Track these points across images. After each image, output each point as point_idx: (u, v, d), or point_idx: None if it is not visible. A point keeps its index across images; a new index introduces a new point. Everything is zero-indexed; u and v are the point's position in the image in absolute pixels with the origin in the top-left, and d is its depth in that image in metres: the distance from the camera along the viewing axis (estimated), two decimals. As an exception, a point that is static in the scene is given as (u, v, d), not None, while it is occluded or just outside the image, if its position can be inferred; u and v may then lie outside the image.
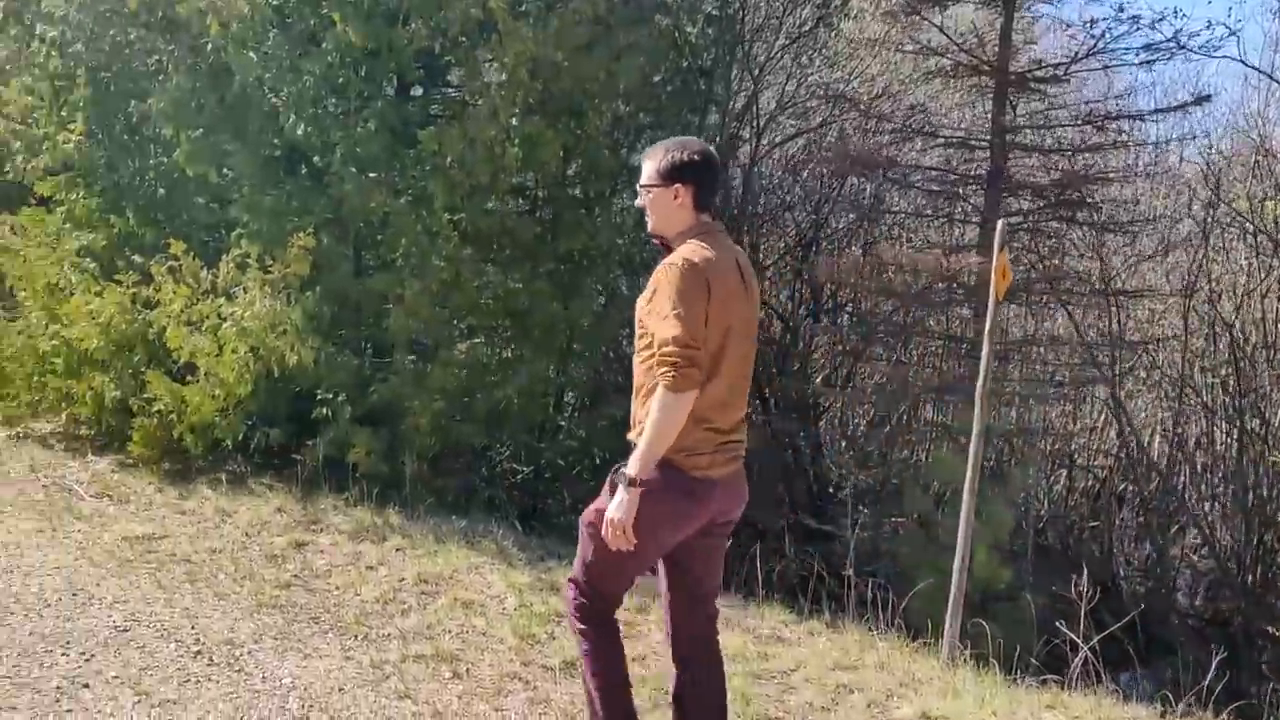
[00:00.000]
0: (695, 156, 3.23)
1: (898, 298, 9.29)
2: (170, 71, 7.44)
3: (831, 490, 11.04)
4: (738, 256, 3.28)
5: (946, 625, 4.96)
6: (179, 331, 7.04)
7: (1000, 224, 4.86)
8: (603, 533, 3.10)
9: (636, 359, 3.22)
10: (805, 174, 11.09)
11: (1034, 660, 5.53)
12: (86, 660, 4.26)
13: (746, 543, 8.55)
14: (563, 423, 8.11)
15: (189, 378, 7.15)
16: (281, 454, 7.53)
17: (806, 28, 10.54)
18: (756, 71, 10.56)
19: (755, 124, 10.63)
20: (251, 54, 7.27)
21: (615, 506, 3.07)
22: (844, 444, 12.14)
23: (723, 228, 3.35)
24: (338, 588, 5.35)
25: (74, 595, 4.93)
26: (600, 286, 8.42)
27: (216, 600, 5.01)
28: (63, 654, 4.30)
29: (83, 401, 7.60)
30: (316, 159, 7.89)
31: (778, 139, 10.89)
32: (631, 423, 3.24)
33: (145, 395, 7.20)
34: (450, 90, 8.93)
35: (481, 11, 7.16)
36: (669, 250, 3.21)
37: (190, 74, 7.48)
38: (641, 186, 3.28)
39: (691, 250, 3.11)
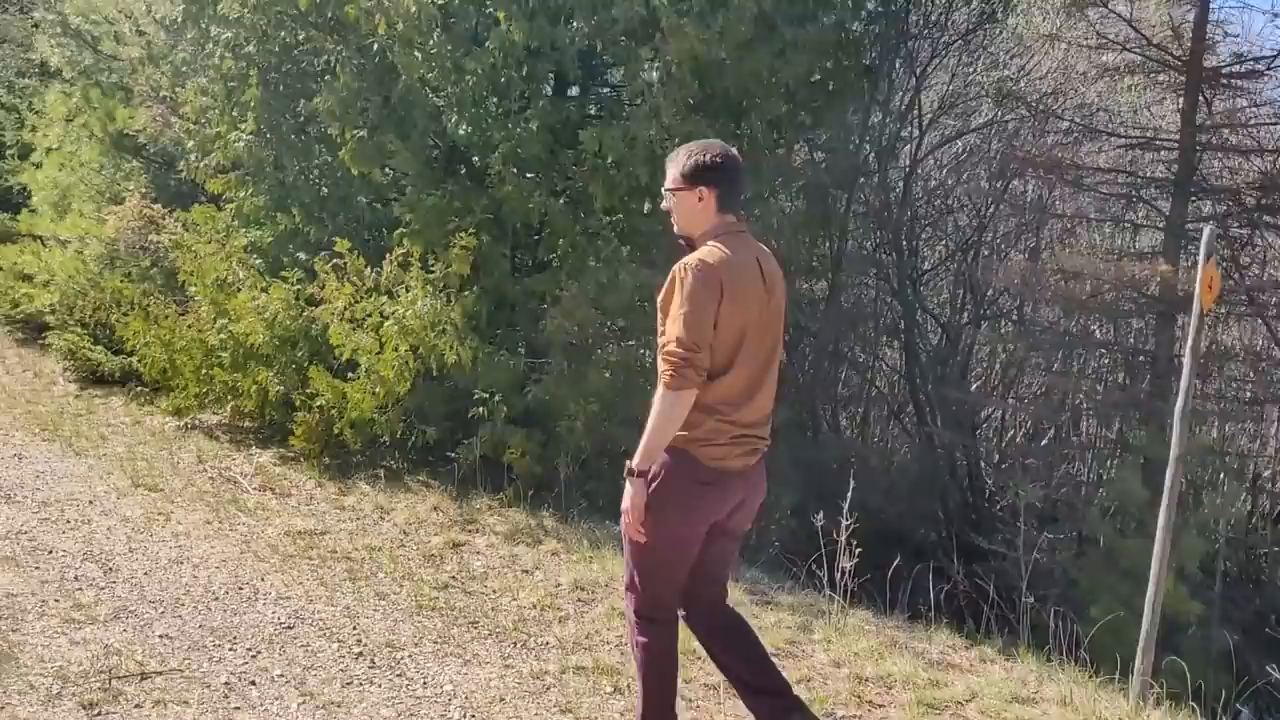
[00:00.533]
0: (717, 159, 3.28)
1: (1077, 305, 8.80)
2: (337, 71, 7.54)
3: (989, 504, 10.59)
4: (760, 257, 3.33)
5: (1137, 660, 4.60)
6: (341, 328, 7.13)
7: (1207, 230, 4.48)
8: (621, 527, 3.25)
9: (659, 355, 3.23)
10: (967, 175, 10.66)
11: (1239, 706, 5.11)
12: (253, 656, 4.28)
13: (904, 558, 8.26)
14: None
15: (350, 374, 7.24)
16: (437, 451, 7.57)
17: (973, 23, 10.10)
18: (919, 70, 10.18)
19: (918, 124, 10.26)
20: (416, 53, 7.30)
21: (625, 498, 3.20)
22: (1000, 456, 11.66)
23: (745, 228, 3.38)
24: (495, 591, 5.29)
25: (240, 589, 4.99)
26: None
27: (377, 600, 5.00)
28: (230, 649, 4.33)
29: (247, 395, 7.78)
30: (476, 159, 7.93)
31: (940, 139, 10.48)
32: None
33: (307, 390, 7.33)
34: (607, 90, 8.86)
35: (645, 9, 7.05)
36: (693, 250, 3.26)
37: (356, 74, 7.58)
38: (666, 190, 3.34)
39: (708, 251, 3.19)
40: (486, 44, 7.24)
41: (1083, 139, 9.55)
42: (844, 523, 5.17)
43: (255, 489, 6.80)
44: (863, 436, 11.27)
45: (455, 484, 6.99)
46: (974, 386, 11.15)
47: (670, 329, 3.12)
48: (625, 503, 3.20)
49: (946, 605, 6.30)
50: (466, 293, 7.24)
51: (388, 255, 7.21)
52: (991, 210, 10.37)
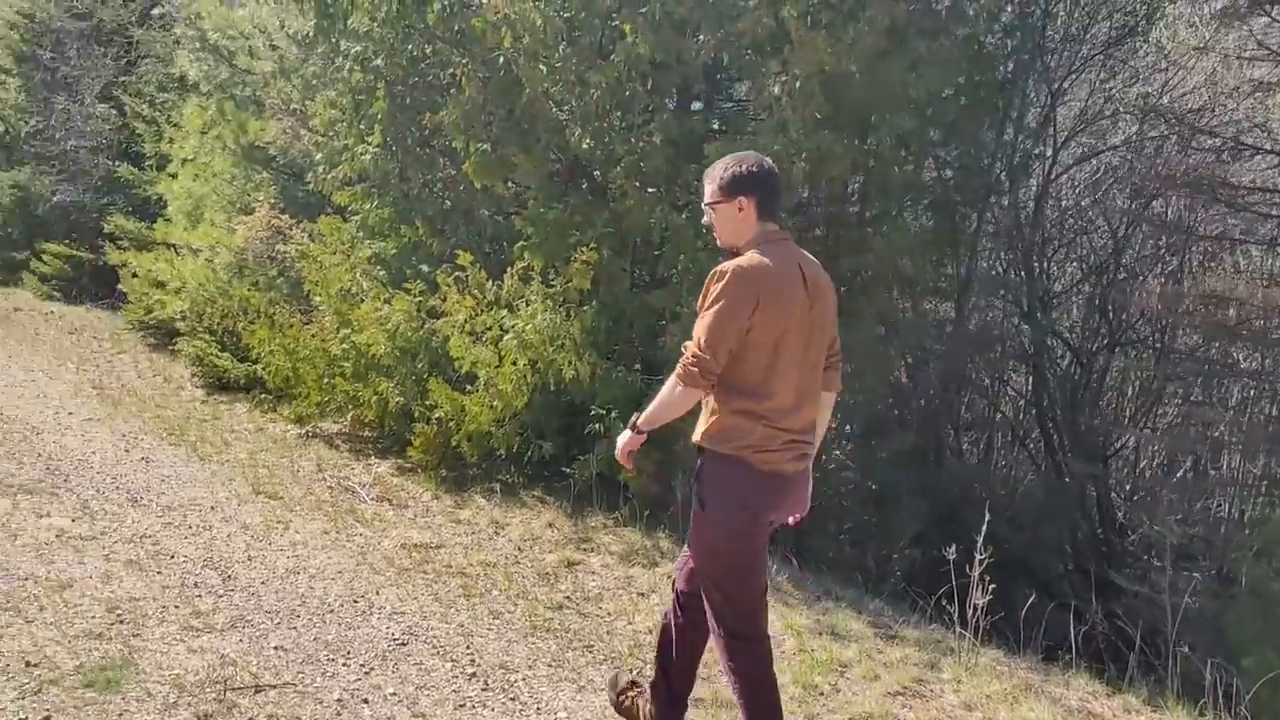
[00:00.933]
0: (755, 169, 3.34)
1: (1223, 331, 8.34)
2: (463, 84, 7.55)
3: (1121, 537, 10.12)
4: (802, 263, 3.36)
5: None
6: (462, 341, 7.11)
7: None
8: (617, 454, 3.54)
9: None
10: (1104, 194, 10.23)
11: None
12: (366, 673, 4.23)
13: (1029, 589, 7.93)
14: (837, 453, 7.70)
15: (468, 387, 7.22)
16: (552, 467, 7.51)
17: (1114, 36, 9.70)
18: (1055, 85, 9.82)
19: (1052, 140, 9.89)
20: (541, 66, 7.27)
21: (620, 438, 3.52)
22: (1132, 488, 11.14)
23: (788, 236, 3.42)
24: (610, 614, 5.17)
25: (355, 602, 4.96)
26: (882, 311, 7.95)
27: (491, 619, 4.92)
28: (344, 664, 4.29)
29: (368, 405, 7.83)
30: (598, 173, 7.87)
31: (1076, 157, 10.08)
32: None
33: (426, 402, 7.33)
34: (731, 105, 8.73)
35: (773, 21, 6.90)
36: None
37: (481, 87, 7.58)
38: (706, 205, 3.40)
39: (747, 258, 3.25)
40: (611, 57, 7.18)
41: (1231, 157, 9.08)
42: (978, 557, 4.92)
43: (373, 499, 6.81)
44: (986, 463, 10.89)
45: (570, 501, 6.91)
46: (1106, 414, 10.69)
47: (696, 328, 3.23)
48: (620, 441, 3.52)
49: (1084, 647, 5.97)
50: (585, 307, 7.17)
51: (509, 268, 7.18)
52: (1130, 231, 9.92)
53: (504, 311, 7.11)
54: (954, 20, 8.39)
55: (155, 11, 15.14)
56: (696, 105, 8.30)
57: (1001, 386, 10.56)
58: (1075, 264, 10.46)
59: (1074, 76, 9.86)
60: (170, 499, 6.38)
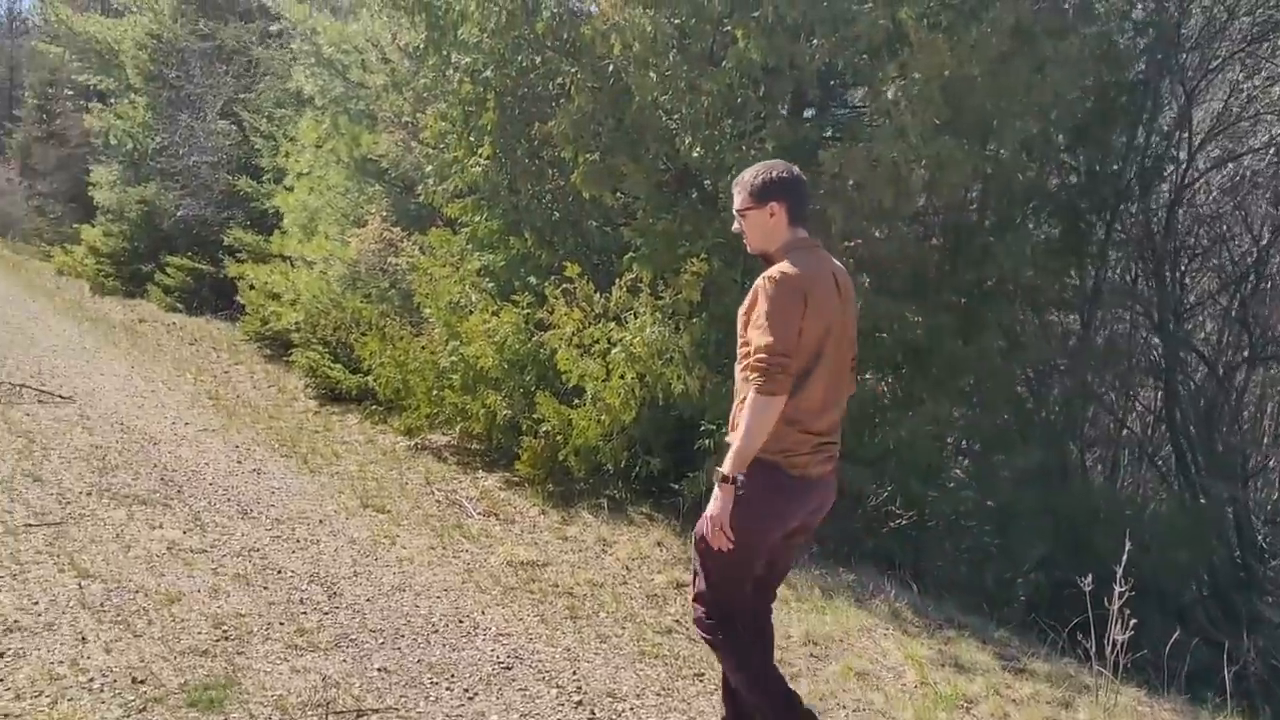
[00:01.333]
0: (784, 174, 3.40)
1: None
2: (572, 94, 7.45)
3: (1262, 564, 9.54)
4: (834, 269, 3.42)
5: None
6: (570, 354, 7.00)
7: None
8: (703, 531, 3.29)
9: (737, 366, 3.34)
10: (1244, 200, 9.67)
11: None
12: (470, 698, 4.10)
13: (1162, 618, 7.51)
14: (956, 470, 7.38)
15: (576, 400, 7.11)
16: (660, 483, 7.34)
17: (1255, 33, 9.16)
18: (1190, 85, 9.31)
19: (1187, 144, 9.38)
20: (651, 74, 7.13)
21: (713, 504, 3.26)
22: (1274, 510, 10.53)
23: (819, 242, 3.47)
24: (721, 640, 4.97)
25: (460, 622, 4.86)
26: (1003, 323, 7.59)
27: (598, 643, 4.77)
28: (447, 688, 4.17)
29: (476, 418, 7.77)
30: (708, 182, 7.70)
31: (1213, 161, 9.55)
32: (730, 425, 3.36)
33: (534, 415, 7.24)
34: (844, 110, 8.48)
35: (890, 23, 6.64)
36: (770, 265, 3.33)
37: (590, 96, 7.47)
38: (738, 212, 3.43)
39: (790, 264, 3.27)
40: (723, 64, 7.00)
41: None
42: (1117, 589, 4.59)
43: (480, 514, 6.73)
44: (1112, 481, 10.39)
45: (679, 518, 6.73)
46: (1245, 432, 10.11)
47: (757, 338, 3.19)
48: (713, 508, 3.25)
49: (1233, 685, 5.57)
50: (694, 320, 7.00)
51: (617, 280, 7.04)
52: (1273, 239, 9.36)
53: (612, 324, 6.98)
54: (1081, 18, 8.01)
55: (274, 29, 15.45)
56: (809, 112, 8.08)
57: (1130, 402, 10.06)
58: (1211, 274, 9.90)
59: (1211, 76, 9.35)
60: (279, 511, 6.39)
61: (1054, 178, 8.51)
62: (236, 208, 16.02)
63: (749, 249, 3.47)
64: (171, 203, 17.03)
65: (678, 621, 5.15)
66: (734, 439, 3.22)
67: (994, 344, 7.09)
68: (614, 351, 6.80)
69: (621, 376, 6.81)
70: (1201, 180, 9.58)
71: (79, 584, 4.87)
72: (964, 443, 7.88)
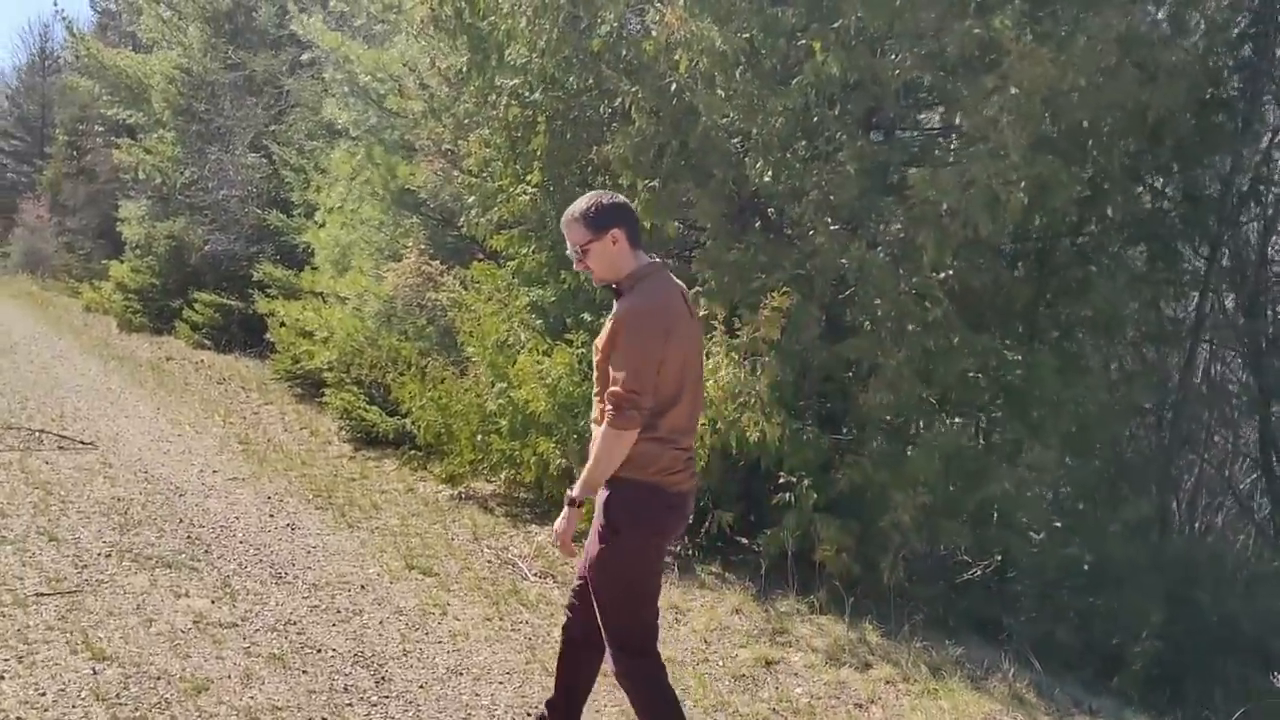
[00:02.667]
0: (615, 200, 3.47)
1: None
2: (631, 115, 6.87)
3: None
4: (681, 289, 3.54)
5: None
6: (631, 398, 6.36)
7: None
8: (559, 544, 3.43)
9: (594, 393, 3.48)
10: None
11: None
12: (550, 816, 3.46)
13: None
14: (1058, 524, 6.69)
15: (638, 449, 6.47)
16: (729, 539, 6.71)
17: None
18: (1287, 102, 8.64)
19: (1282, 165, 8.69)
20: (720, 92, 6.55)
21: (559, 522, 3.41)
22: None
23: (659, 261, 3.52)
24: (828, 735, 4.31)
25: (527, 715, 4.22)
26: (1110, 361, 6.91)
27: (690, 740, 4.12)
28: (522, 802, 3.54)
29: (526, 466, 7.18)
30: (775, 208, 7.11)
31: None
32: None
33: (591, 465, 6.59)
34: (932, 129, 7.86)
35: (986, 32, 6.03)
36: (619, 293, 3.41)
37: (651, 118, 6.90)
38: (581, 248, 3.40)
39: (649, 296, 3.36)
40: (796, 80, 6.41)
41: None
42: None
43: (535, 575, 6.11)
44: (1205, 531, 9.62)
45: (756, 580, 6.07)
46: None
47: (615, 372, 3.27)
48: (559, 525, 3.40)
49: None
50: (766, 359, 6.35)
51: (687, 317, 6.41)
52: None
53: (680, 365, 6.34)
54: (1177, 29, 7.38)
55: (305, 58, 15.03)
56: (889, 131, 7.47)
57: (1230, 445, 9.32)
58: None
59: (1310, 92, 8.66)
60: (317, 575, 5.78)
61: (1149, 201, 7.82)
62: (266, 242, 15.56)
63: (595, 282, 3.50)
64: (200, 237, 16.62)
65: (774, 710, 4.49)
66: (586, 466, 3.36)
67: (1103, 384, 6.41)
68: (683, 395, 6.16)
69: (690, 422, 6.17)
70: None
71: (93, 669, 4.28)
72: (1060, 494, 7.17)
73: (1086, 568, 6.71)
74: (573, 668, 3.75)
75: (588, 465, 3.35)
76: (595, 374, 3.47)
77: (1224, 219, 8.03)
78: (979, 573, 6.70)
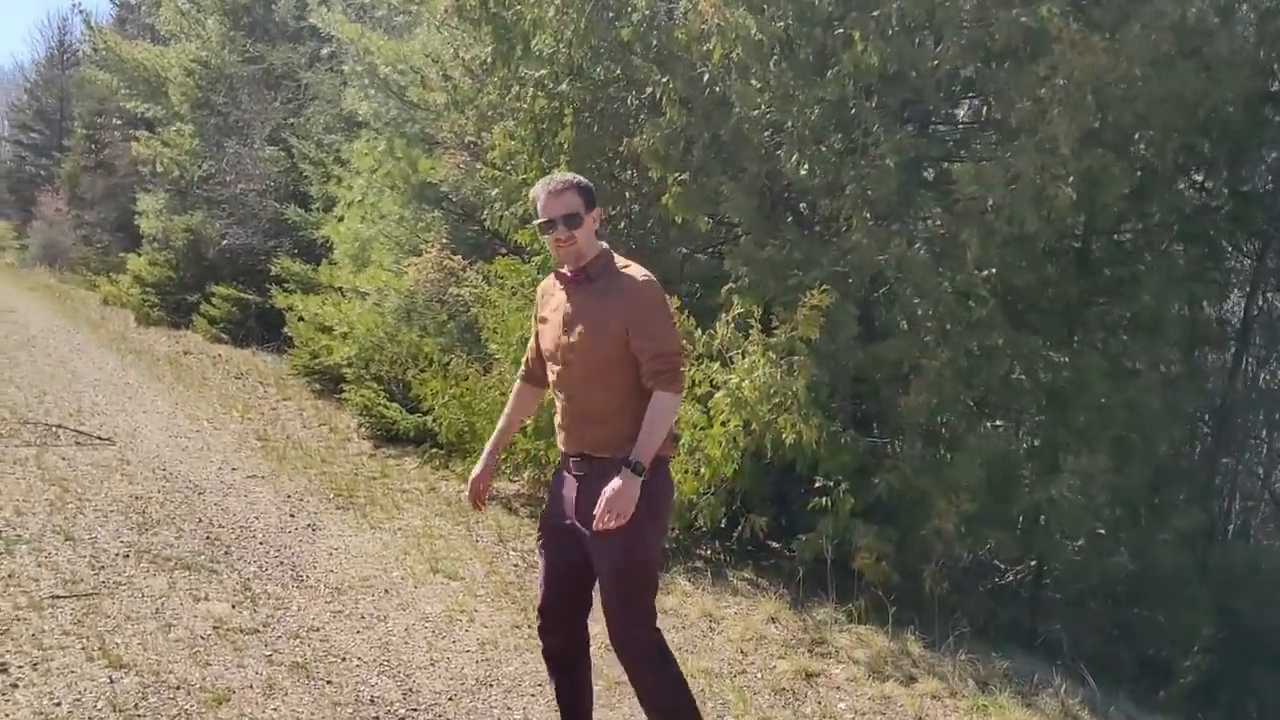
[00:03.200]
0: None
1: None
2: (663, 106, 6.67)
3: None
4: None
5: None
6: (663, 398, 6.17)
7: None
8: (603, 521, 3.14)
9: (579, 372, 3.31)
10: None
11: None
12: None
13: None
14: (1101, 530, 6.46)
15: (670, 450, 6.28)
16: (762, 543, 6.52)
17: None
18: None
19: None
20: (754, 82, 6.35)
21: (625, 491, 3.14)
22: None
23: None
24: (877, 754, 4.11)
25: (562, 731, 4.03)
26: (1159, 363, 6.66)
27: (733, 761, 3.93)
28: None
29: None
30: (807, 203, 6.91)
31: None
32: (573, 432, 3.36)
33: (620, 467, 6.41)
34: (951, 125, 7.64)
35: (1034, 20, 5.82)
36: (581, 278, 3.30)
37: (682, 109, 6.70)
38: (574, 217, 3.25)
39: (646, 271, 3.34)
40: (833, 70, 6.20)
41: None
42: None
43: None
44: (1241, 537, 9.38)
45: (792, 587, 5.87)
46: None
47: (663, 342, 3.25)
48: (620, 498, 3.13)
49: None
50: (803, 358, 6.14)
51: (722, 315, 6.21)
52: None
53: (714, 364, 6.15)
54: (1226, 19, 7.13)
55: (325, 51, 14.86)
56: (924, 124, 7.26)
57: (1270, 448, 9.07)
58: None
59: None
60: (340, 578, 5.61)
61: (1197, 198, 7.58)
62: (284, 236, 15.39)
63: (567, 260, 3.31)
64: (218, 231, 16.47)
65: (819, 727, 4.29)
66: (642, 434, 3.18)
67: (1156, 388, 6.18)
68: (717, 395, 5.97)
69: (724, 424, 5.98)
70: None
71: (110, 677, 4.11)
72: (1105, 501, 6.94)
73: (1128, 577, 6.48)
74: (574, 691, 3.61)
75: (651, 436, 3.18)
76: (574, 353, 3.30)
77: (1273, 217, 7.78)
78: (1017, 581, 6.48)
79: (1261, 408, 8.42)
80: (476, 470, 3.59)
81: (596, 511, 3.14)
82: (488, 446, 3.65)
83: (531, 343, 3.59)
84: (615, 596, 3.31)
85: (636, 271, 3.31)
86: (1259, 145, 7.68)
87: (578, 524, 3.30)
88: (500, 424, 3.70)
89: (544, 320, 3.44)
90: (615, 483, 3.13)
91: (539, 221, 3.31)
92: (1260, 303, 8.03)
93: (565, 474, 3.42)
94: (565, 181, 3.31)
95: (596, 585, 3.43)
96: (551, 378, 3.42)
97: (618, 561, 3.26)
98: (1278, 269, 8.48)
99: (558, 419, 3.42)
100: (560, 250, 3.30)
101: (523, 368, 3.66)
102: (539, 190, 3.33)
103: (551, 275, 3.47)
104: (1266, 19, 7.70)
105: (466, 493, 3.57)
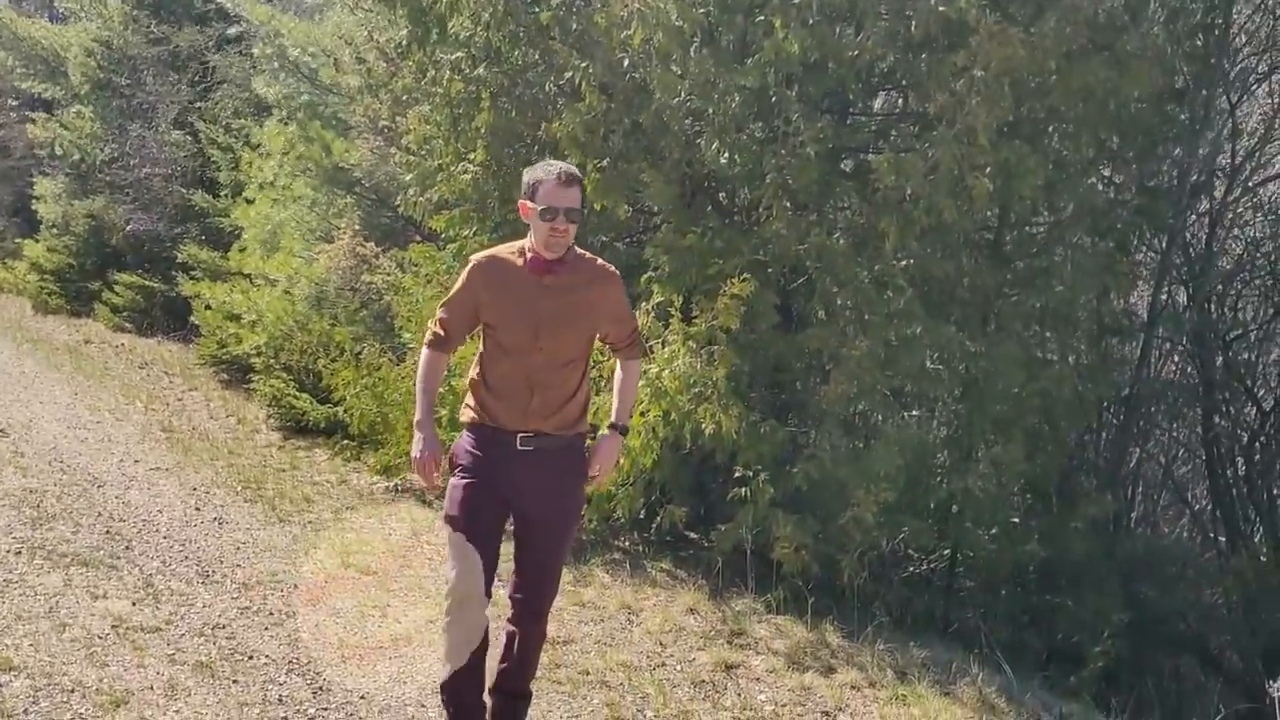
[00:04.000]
0: None
1: None
2: (582, 91, 6.57)
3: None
4: None
5: None
6: (582, 388, 6.09)
7: None
8: (601, 480, 3.68)
9: (556, 359, 3.34)
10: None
11: None
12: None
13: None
14: (1015, 520, 6.54)
15: (589, 441, 6.20)
16: (680, 534, 6.47)
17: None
18: (1235, 95, 8.61)
19: (1230, 157, 8.66)
20: (675, 68, 6.28)
21: (614, 452, 3.60)
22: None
23: None
24: (798, 746, 4.08)
25: None
26: (1070, 353, 6.76)
27: (655, 757, 3.86)
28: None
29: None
30: (727, 192, 6.87)
31: (1265, 176, 8.82)
32: (534, 414, 3.36)
33: (539, 458, 6.31)
34: (881, 114, 7.67)
35: (953, 11, 5.84)
36: (559, 268, 3.31)
37: (601, 95, 6.61)
38: (574, 212, 3.26)
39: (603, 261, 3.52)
40: (754, 58, 6.17)
41: None
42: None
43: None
44: (1141, 524, 9.60)
45: (711, 578, 5.83)
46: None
47: (631, 321, 3.61)
48: (614, 459, 3.63)
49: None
50: (722, 348, 6.10)
51: (641, 304, 6.14)
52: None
53: (634, 354, 6.07)
54: (1135, 16, 7.26)
55: (232, 32, 14.45)
56: (843, 114, 7.27)
57: (1171, 439, 9.29)
58: (1265, 303, 9.12)
59: (1257, 80, 8.66)
60: (247, 572, 5.43)
61: (1109, 192, 7.71)
62: (191, 223, 14.94)
63: (553, 251, 3.27)
64: (121, 217, 15.90)
65: (739, 719, 4.25)
66: (624, 400, 3.65)
67: (1067, 377, 6.27)
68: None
69: (643, 414, 5.92)
70: (1250, 197, 8.87)
71: (-2, 681, 3.89)
72: (1017, 490, 7.02)
73: (1040, 564, 6.57)
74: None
75: (625, 398, 3.64)
76: (555, 341, 3.33)
77: (1179, 211, 7.96)
78: (931, 570, 6.54)
79: (1164, 398, 8.61)
80: (420, 446, 3.44)
81: (594, 473, 3.52)
82: (422, 417, 3.48)
83: (453, 314, 3.45)
84: (559, 561, 3.51)
85: (603, 263, 3.49)
86: (1166, 141, 7.85)
87: (522, 496, 3.38)
88: (427, 395, 3.54)
89: (500, 305, 3.34)
90: (615, 444, 3.56)
91: (540, 208, 3.22)
92: (1164, 295, 8.22)
93: (490, 450, 3.36)
94: (573, 174, 3.28)
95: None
96: (505, 362, 3.35)
97: (571, 527, 3.51)
98: (1182, 262, 8.70)
99: (508, 400, 3.35)
100: (554, 239, 3.25)
101: (432, 335, 3.52)
102: (543, 176, 3.25)
103: (500, 255, 3.40)
104: (1174, 17, 7.89)
105: (416, 471, 3.49)
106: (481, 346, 3.44)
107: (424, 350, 3.54)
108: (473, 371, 3.49)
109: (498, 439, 3.35)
